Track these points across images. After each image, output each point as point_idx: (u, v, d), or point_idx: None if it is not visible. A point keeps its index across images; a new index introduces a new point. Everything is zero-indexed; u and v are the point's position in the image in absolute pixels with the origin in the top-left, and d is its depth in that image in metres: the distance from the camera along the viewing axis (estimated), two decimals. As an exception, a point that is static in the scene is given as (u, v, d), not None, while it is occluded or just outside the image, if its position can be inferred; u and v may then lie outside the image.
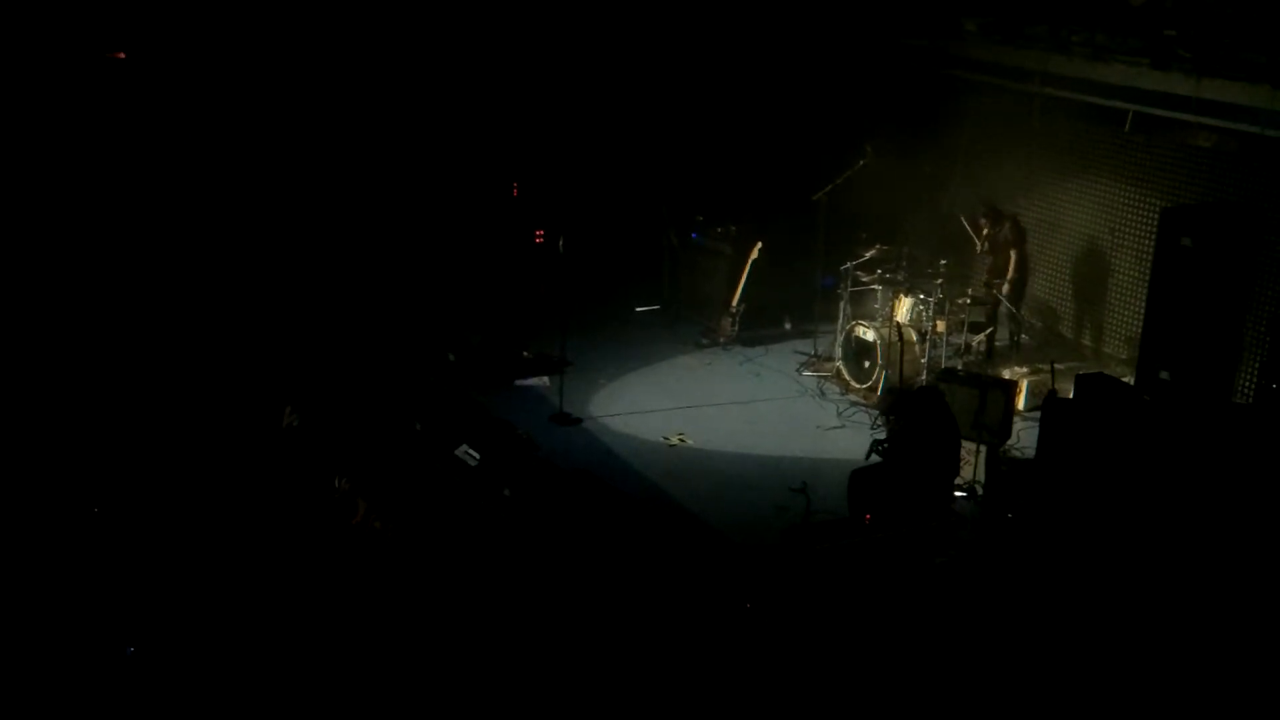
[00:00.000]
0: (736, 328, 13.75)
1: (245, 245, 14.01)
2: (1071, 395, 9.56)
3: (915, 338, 12.21)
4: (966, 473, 10.25)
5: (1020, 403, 11.44)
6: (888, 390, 10.25)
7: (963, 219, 13.12)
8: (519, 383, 12.57)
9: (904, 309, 12.44)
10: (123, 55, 14.45)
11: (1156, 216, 10.82)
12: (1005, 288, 12.54)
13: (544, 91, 15.69)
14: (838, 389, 12.60)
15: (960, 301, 12.44)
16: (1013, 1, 13.48)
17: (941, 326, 12.19)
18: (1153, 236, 10.84)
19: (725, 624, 8.38)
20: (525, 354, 12.95)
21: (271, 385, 12.13)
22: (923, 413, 9.46)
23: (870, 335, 12.16)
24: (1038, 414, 10.04)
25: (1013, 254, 12.61)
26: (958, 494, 10.02)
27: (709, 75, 14.93)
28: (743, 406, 12.29)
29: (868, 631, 8.27)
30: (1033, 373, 12.08)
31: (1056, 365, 11.20)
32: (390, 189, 14.98)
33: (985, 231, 12.75)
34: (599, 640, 8.25)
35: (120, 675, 7.49)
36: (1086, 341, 13.35)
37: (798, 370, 13.14)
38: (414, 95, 14.64)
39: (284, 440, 11.15)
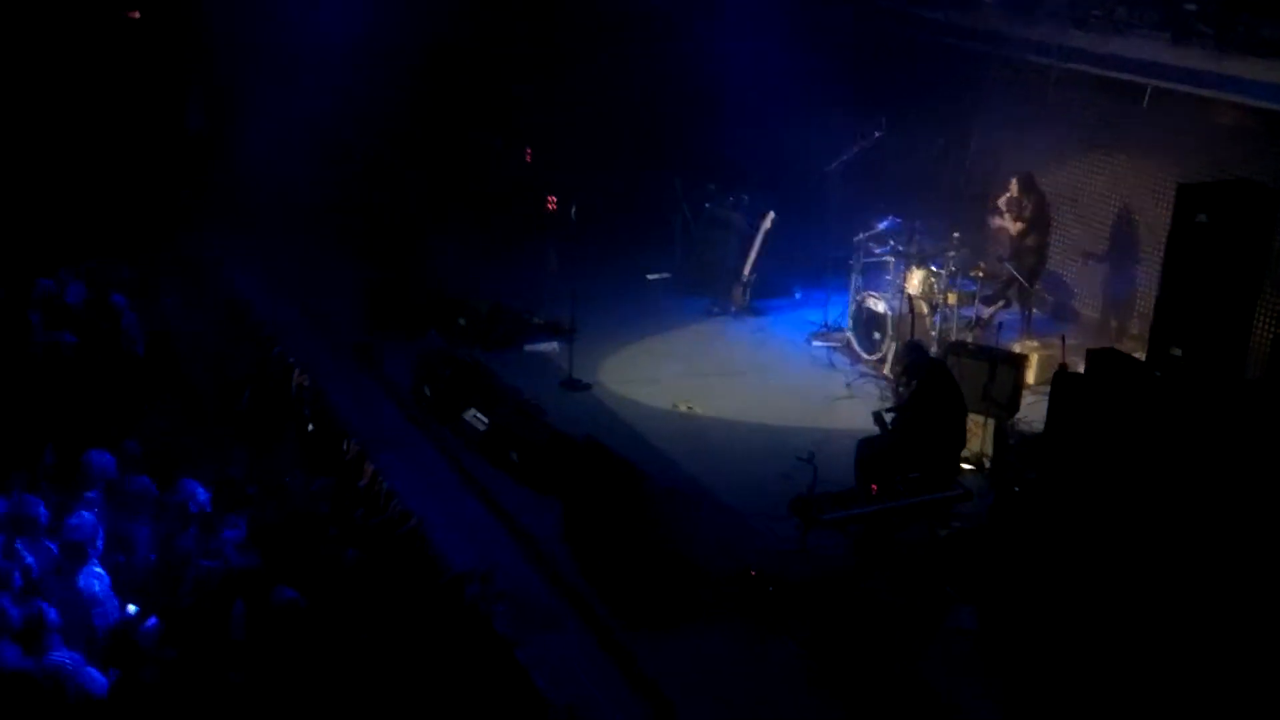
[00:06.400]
0: (748, 297, 13.72)
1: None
2: (1082, 370, 9.51)
3: (926, 310, 12.16)
4: (974, 445, 10.23)
5: (1030, 377, 11.40)
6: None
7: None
8: (528, 348, 12.57)
9: (915, 281, 12.38)
10: (137, 14, 14.53)
11: (1172, 192, 10.75)
12: (1016, 262, 12.37)
13: (558, 59, 15.66)
14: (847, 359, 12.58)
15: (973, 274, 12.35)
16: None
17: (953, 299, 12.13)
18: (1168, 212, 10.77)
19: (730, 592, 8.42)
20: (535, 320, 12.95)
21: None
22: (930, 381, 9.44)
23: (881, 307, 12.13)
24: (1047, 388, 10.00)
25: (1024, 226, 12.42)
26: (964, 466, 10.01)
27: (722, 44, 14.84)
28: (752, 376, 12.28)
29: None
30: (1043, 347, 12.03)
31: (1067, 340, 11.15)
32: (405, 157, 14.99)
33: (1016, 200, 12.48)
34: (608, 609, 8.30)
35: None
36: (1098, 316, 13.28)
37: (808, 340, 13.11)
38: (430, 67, 14.64)
39: (294, 402, 11.21)
